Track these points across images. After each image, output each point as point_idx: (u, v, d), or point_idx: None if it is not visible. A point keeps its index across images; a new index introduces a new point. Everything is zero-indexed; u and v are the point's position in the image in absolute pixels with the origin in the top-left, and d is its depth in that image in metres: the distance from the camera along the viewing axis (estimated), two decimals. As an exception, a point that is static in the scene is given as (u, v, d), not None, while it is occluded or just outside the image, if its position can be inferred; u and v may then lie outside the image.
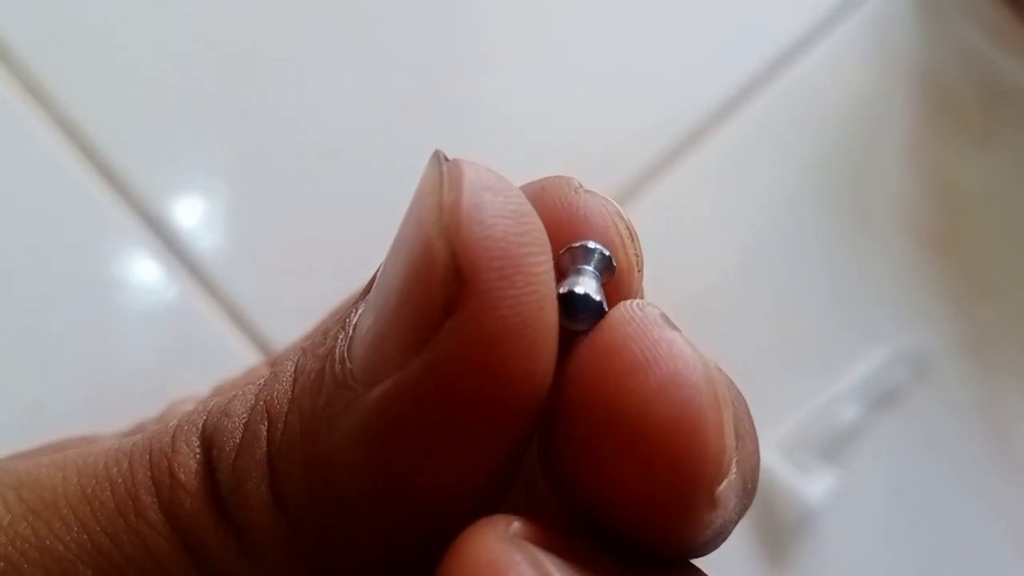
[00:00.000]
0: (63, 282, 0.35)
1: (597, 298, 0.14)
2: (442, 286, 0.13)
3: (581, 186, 0.15)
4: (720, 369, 0.15)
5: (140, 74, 0.37)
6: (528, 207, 0.13)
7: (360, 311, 0.15)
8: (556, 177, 0.16)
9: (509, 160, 0.38)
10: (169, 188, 0.37)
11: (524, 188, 0.16)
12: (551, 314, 0.13)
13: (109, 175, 0.36)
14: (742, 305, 0.39)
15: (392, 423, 0.13)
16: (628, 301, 0.14)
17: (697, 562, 0.15)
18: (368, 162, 0.38)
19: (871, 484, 0.39)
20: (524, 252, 0.13)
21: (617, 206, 0.16)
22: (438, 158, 0.14)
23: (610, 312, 0.14)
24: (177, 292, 0.36)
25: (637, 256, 0.16)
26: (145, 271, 0.36)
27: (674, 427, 0.13)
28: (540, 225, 0.13)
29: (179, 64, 0.38)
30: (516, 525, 0.13)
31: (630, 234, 0.16)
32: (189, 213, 0.36)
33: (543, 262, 0.13)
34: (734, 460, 0.14)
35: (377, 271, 0.15)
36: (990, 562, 0.39)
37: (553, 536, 0.14)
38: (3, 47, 0.36)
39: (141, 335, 0.35)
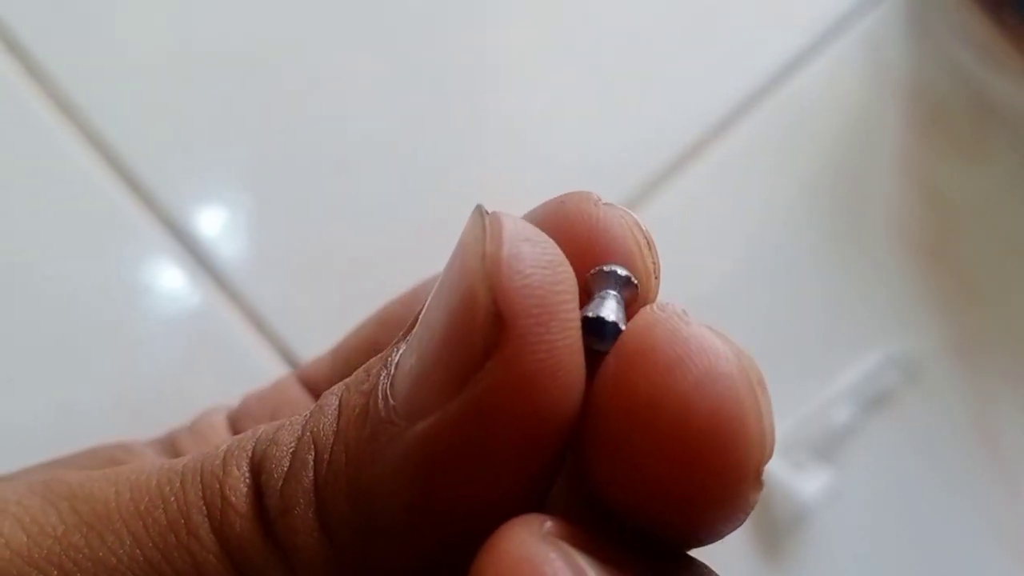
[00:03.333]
0: (91, 288, 0.35)
1: (615, 320, 0.15)
2: (483, 330, 0.13)
3: (600, 199, 0.16)
4: (749, 354, 0.15)
5: (166, 91, 0.38)
6: (562, 258, 0.14)
7: (401, 351, 0.15)
8: (577, 192, 0.16)
9: (516, 172, 0.39)
10: (193, 199, 0.37)
11: (547, 203, 0.16)
12: (581, 358, 0.14)
13: (135, 186, 0.36)
14: (740, 312, 0.40)
15: (434, 456, 0.14)
16: (650, 304, 0.15)
17: (696, 555, 0.16)
18: (381, 175, 0.38)
19: (864, 482, 0.39)
20: (559, 300, 0.14)
21: (635, 217, 0.16)
22: (480, 212, 0.14)
23: (636, 316, 0.14)
24: (200, 298, 0.36)
25: (654, 264, 0.16)
26: (170, 278, 0.36)
27: (716, 419, 0.13)
28: (572, 274, 0.14)
29: (204, 83, 0.38)
30: (549, 524, 0.13)
31: (647, 243, 0.16)
32: (212, 223, 0.37)
33: (574, 309, 0.14)
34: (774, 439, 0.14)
35: (419, 313, 0.15)
36: (977, 558, 0.39)
37: (584, 535, 0.14)
38: (34, 63, 0.36)
39: (165, 339, 0.35)
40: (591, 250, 0.15)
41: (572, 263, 0.15)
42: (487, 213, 0.14)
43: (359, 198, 0.38)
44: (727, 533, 0.15)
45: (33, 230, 0.35)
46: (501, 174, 0.39)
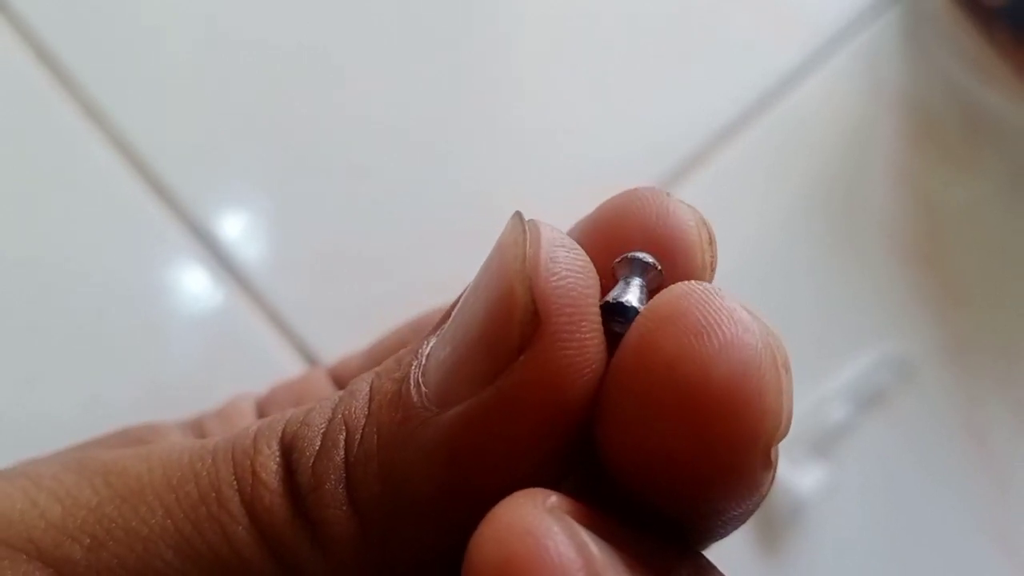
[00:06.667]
0: (119, 288, 0.35)
1: (636, 305, 0.15)
2: (520, 326, 0.14)
3: (670, 195, 0.16)
4: (778, 336, 0.15)
5: (191, 101, 0.38)
6: (591, 264, 0.14)
7: (431, 343, 0.15)
8: (647, 188, 0.16)
9: (524, 177, 0.39)
10: (216, 202, 0.37)
11: (620, 195, 0.16)
12: (604, 355, 0.14)
13: (161, 190, 0.36)
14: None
15: (464, 440, 0.14)
16: (687, 280, 0.15)
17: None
18: (397, 179, 0.39)
19: (858, 478, 0.39)
20: (590, 302, 0.14)
21: (700, 213, 0.16)
22: (519, 218, 0.15)
23: (671, 287, 0.14)
24: (223, 298, 0.36)
25: (712, 258, 0.16)
26: (193, 279, 0.36)
27: (735, 384, 0.13)
28: (598, 279, 0.14)
29: (227, 92, 0.38)
30: (554, 498, 0.13)
31: (710, 239, 0.16)
32: (235, 225, 0.37)
33: (598, 312, 0.14)
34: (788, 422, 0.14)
35: (450, 309, 0.16)
36: (966, 550, 0.39)
37: (588, 513, 0.14)
38: (64, 71, 0.36)
39: (189, 338, 0.35)
40: (660, 238, 0.16)
41: (642, 249, 0.15)
42: (526, 220, 0.15)
43: (376, 201, 0.38)
44: (735, 516, 0.15)
45: (64, 233, 0.36)
46: (510, 178, 0.39)
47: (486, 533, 0.13)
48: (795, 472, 0.38)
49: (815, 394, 0.39)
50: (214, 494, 0.15)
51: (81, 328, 0.35)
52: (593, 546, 0.13)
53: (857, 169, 0.42)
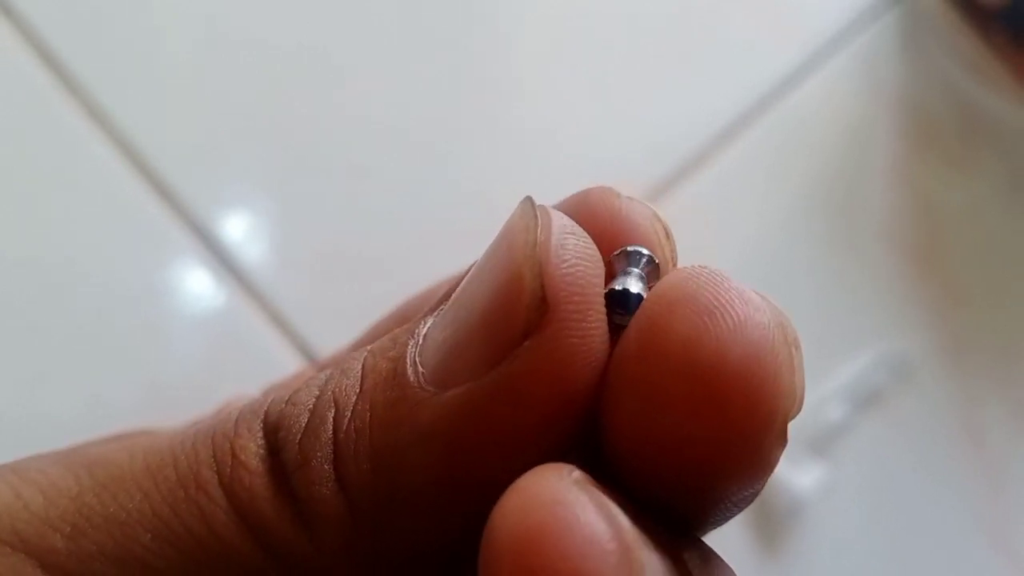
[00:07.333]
0: (120, 289, 0.35)
1: (638, 292, 0.15)
2: (527, 311, 0.14)
3: (621, 194, 0.16)
4: (788, 317, 0.15)
5: (192, 99, 0.38)
6: (599, 254, 0.14)
7: (429, 323, 0.15)
8: (600, 187, 0.16)
9: (524, 178, 0.39)
10: (217, 202, 0.37)
11: (573, 196, 0.16)
12: (607, 344, 0.14)
13: (162, 191, 0.36)
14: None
15: (463, 423, 0.14)
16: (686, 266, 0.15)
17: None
18: (397, 180, 0.39)
19: (856, 477, 0.39)
20: (597, 292, 0.14)
21: (654, 209, 0.16)
22: (530, 203, 0.15)
23: (675, 271, 0.14)
24: (225, 299, 0.36)
25: (672, 252, 0.16)
26: (196, 280, 0.36)
27: (751, 363, 0.13)
28: (604, 268, 0.14)
29: (227, 90, 0.38)
30: (577, 472, 0.13)
31: (666, 233, 0.16)
32: (237, 227, 0.37)
33: (603, 301, 0.14)
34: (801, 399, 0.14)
35: (450, 291, 0.15)
36: (962, 548, 0.40)
37: (606, 487, 0.13)
38: (66, 72, 0.36)
39: (192, 338, 0.35)
40: (614, 238, 0.16)
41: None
42: (537, 205, 0.15)
43: (376, 202, 0.38)
44: (743, 498, 0.14)
45: (65, 233, 0.36)
46: (510, 178, 0.39)
47: (510, 503, 0.12)
48: (793, 471, 0.38)
49: (814, 394, 0.39)
50: (192, 476, 0.15)
51: (82, 328, 0.35)
52: (622, 518, 0.12)
53: (857, 169, 0.42)
